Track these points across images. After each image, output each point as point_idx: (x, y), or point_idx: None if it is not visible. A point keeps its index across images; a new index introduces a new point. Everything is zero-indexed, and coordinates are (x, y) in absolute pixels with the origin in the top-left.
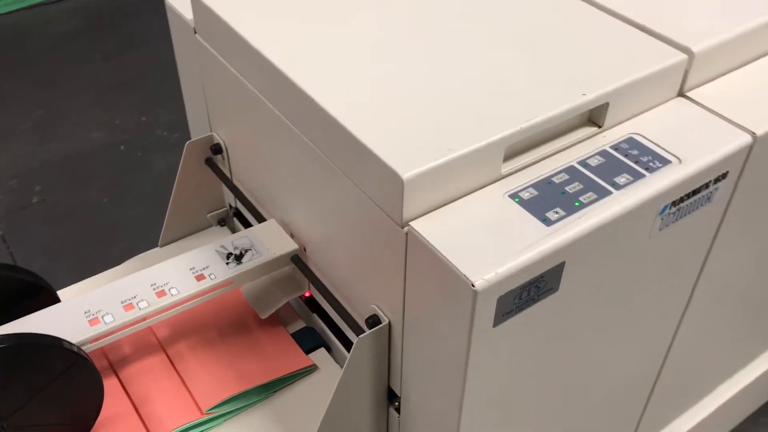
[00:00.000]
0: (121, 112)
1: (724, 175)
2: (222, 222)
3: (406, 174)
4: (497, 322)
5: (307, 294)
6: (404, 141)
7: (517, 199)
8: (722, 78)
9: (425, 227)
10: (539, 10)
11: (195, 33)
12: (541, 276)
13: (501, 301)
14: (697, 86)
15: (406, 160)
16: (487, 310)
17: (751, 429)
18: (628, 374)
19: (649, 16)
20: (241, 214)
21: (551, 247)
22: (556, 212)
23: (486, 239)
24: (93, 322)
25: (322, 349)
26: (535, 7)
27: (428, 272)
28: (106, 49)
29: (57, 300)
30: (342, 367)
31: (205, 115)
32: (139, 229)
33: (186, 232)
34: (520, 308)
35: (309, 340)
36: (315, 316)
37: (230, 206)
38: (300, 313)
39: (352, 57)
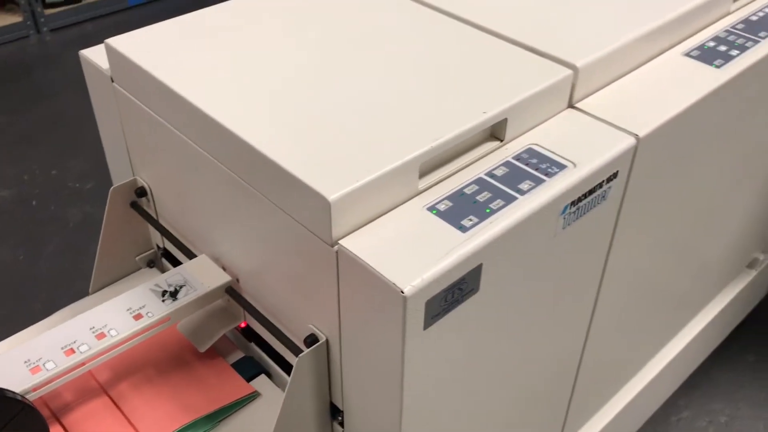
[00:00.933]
0: (29, 167)
1: (615, 175)
2: (151, 264)
3: (332, 196)
4: (427, 324)
5: (242, 325)
6: (327, 165)
7: (434, 211)
8: (606, 88)
9: (353, 244)
10: (436, 38)
11: (112, 81)
12: (463, 278)
13: (429, 304)
14: (584, 97)
15: (331, 183)
16: (416, 314)
17: (672, 412)
18: (553, 365)
19: (535, 37)
20: (169, 254)
21: (468, 251)
22: (470, 220)
23: (410, 249)
24: (34, 370)
25: (263, 376)
26: (432, 35)
27: (360, 286)
28: (8, 103)
29: None
30: (284, 391)
31: (126, 161)
32: (59, 283)
33: (116, 276)
34: (446, 310)
35: (249, 369)
36: (252, 345)
37: (158, 247)
38: (238, 344)
39: (268, 89)
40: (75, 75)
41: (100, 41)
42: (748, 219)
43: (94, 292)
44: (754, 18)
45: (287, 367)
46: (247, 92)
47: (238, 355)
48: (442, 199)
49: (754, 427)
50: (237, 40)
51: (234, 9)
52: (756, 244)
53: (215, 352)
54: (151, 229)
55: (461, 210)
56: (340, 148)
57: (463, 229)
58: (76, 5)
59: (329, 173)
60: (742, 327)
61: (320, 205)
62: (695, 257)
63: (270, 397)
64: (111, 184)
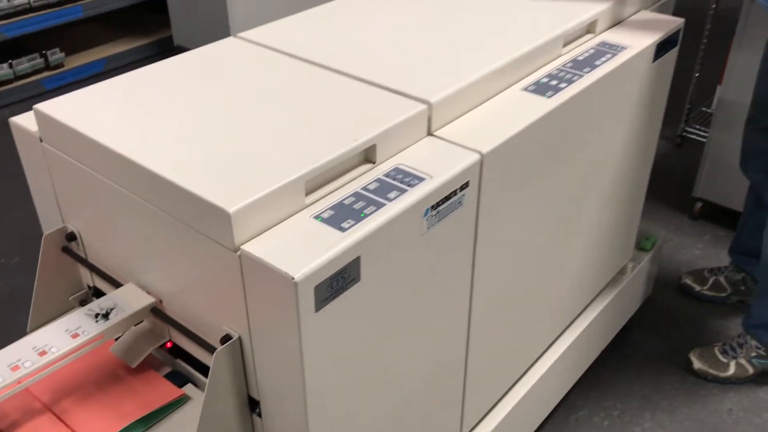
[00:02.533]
0: None
1: (466, 184)
2: (83, 303)
3: (231, 209)
4: (318, 307)
5: (168, 345)
6: (226, 186)
7: (319, 219)
8: (459, 119)
9: (252, 247)
10: (316, 86)
11: (41, 141)
12: (345, 268)
13: (317, 289)
14: (441, 126)
15: (230, 199)
16: (307, 298)
17: (571, 412)
18: (440, 355)
19: (399, 80)
20: (99, 292)
21: (347, 245)
22: (348, 222)
23: (299, 247)
24: None
25: (190, 384)
26: (313, 84)
27: (260, 282)
28: None
29: None
30: None
31: (56, 210)
32: None
33: (52, 316)
34: (334, 295)
35: (177, 380)
36: (179, 361)
37: (89, 287)
38: (166, 362)
39: (173, 131)
40: None
41: None
42: (609, 230)
43: (32, 330)
44: (581, 58)
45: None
46: (156, 135)
47: (167, 370)
48: (326, 209)
49: (642, 417)
50: (144, 97)
51: (138, 76)
52: (624, 253)
53: (147, 366)
54: (82, 271)
55: (341, 216)
56: (238, 172)
57: (343, 229)
58: None
59: (229, 191)
60: (628, 331)
61: (222, 217)
62: (561, 263)
63: (199, 401)
64: (36, 258)
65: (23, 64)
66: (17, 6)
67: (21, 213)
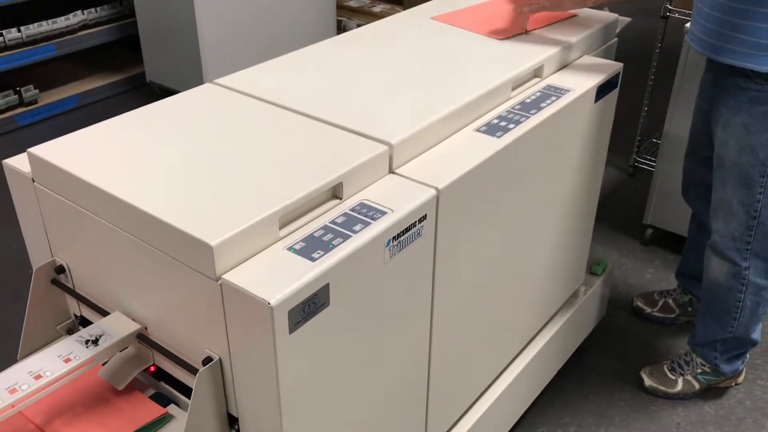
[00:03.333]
0: None
1: (424, 217)
2: (70, 331)
3: (213, 242)
4: (292, 329)
5: (152, 369)
6: (208, 221)
7: (292, 250)
8: (418, 157)
9: (232, 276)
10: (283, 128)
11: (33, 182)
12: (315, 294)
13: (291, 313)
14: (401, 165)
15: (212, 233)
16: (282, 321)
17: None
18: (404, 374)
19: (362, 123)
20: (86, 321)
21: (317, 273)
22: (318, 253)
23: (274, 275)
24: None
25: (173, 405)
26: (280, 126)
27: (240, 307)
28: None
29: None
30: None
31: (45, 245)
32: None
33: (40, 344)
34: (306, 318)
35: (161, 401)
36: (162, 383)
37: (75, 316)
38: (150, 384)
39: (158, 173)
40: None
41: None
42: (561, 256)
43: (22, 358)
44: (528, 100)
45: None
46: (142, 176)
47: (152, 392)
48: (298, 241)
49: (597, 431)
50: (129, 141)
51: (123, 121)
52: (576, 277)
53: (133, 388)
54: (69, 301)
55: (312, 247)
56: (218, 209)
57: (313, 259)
58: None
59: (210, 226)
60: (584, 351)
61: (205, 249)
62: (516, 287)
63: (181, 419)
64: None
65: None
66: None
67: None
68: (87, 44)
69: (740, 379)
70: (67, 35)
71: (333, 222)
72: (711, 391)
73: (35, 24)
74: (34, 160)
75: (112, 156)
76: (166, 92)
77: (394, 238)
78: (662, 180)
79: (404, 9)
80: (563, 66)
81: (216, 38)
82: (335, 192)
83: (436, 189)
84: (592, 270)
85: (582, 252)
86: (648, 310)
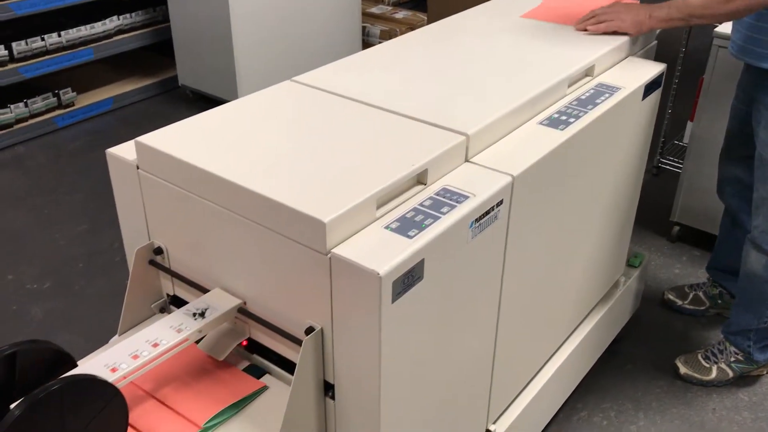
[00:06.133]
0: None
1: (501, 202)
2: (162, 310)
3: (326, 219)
4: (394, 299)
5: (244, 343)
6: (319, 201)
7: (389, 228)
8: (490, 147)
9: (342, 251)
10: (374, 123)
11: (138, 169)
12: (413, 268)
13: (394, 284)
14: (476, 155)
15: (324, 212)
16: (387, 291)
17: (573, 414)
18: (476, 349)
19: (441, 116)
20: (178, 299)
21: (415, 249)
22: (413, 231)
23: (378, 250)
24: (112, 370)
25: (266, 376)
26: (364, 119)
27: (348, 279)
28: None
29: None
30: (285, 384)
31: (144, 229)
32: None
33: (136, 321)
34: (405, 290)
35: (255, 372)
36: (255, 356)
37: (168, 295)
38: (243, 358)
39: (267, 157)
40: (10, 193)
41: (31, 162)
42: (607, 245)
43: (122, 333)
44: (583, 97)
45: (286, 366)
46: (247, 161)
47: (245, 364)
48: (393, 221)
49: (636, 416)
50: (227, 130)
51: (217, 114)
52: (617, 268)
53: (229, 363)
54: (163, 281)
55: (407, 226)
56: (323, 191)
57: (410, 237)
58: (8, 130)
59: (321, 205)
60: (620, 341)
61: (318, 226)
62: (569, 273)
63: (275, 390)
64: (66, 284)
65: (37, 103)
66: (35, 49)
67: (44, 241)
68: (122, 48)
69: None
70: (104, 39)
71: (421, 204)
72: (744, 379)
73: (74, 29)
74: (141, 148)
75: (214, 143)
76: (198, 96)
77: (476, 220)
78: (689, 179)
79: (427, 15)
80: (611, 66)
81: (249, 42)
82: (420, 178)
83: (512, 176)
84: (629, 262)
85: (623, 243)
86: (679, 302)
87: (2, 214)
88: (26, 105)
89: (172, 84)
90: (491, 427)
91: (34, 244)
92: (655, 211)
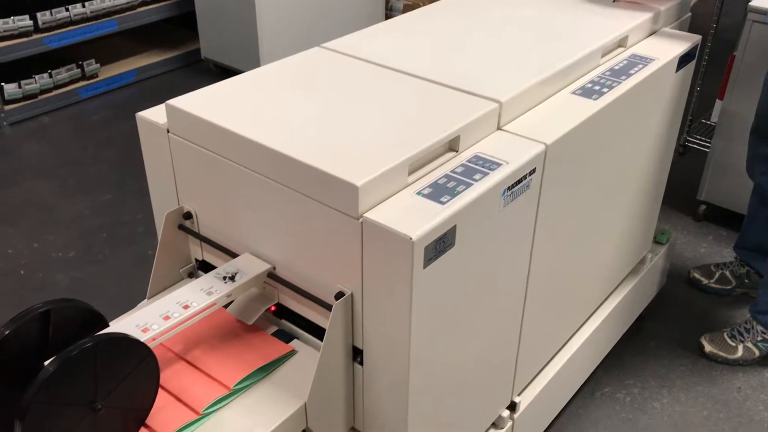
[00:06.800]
0: (10, 243)
1: (533, 171)
2: (191, 275)
3: (359, 183)
4: (426, 264)
5: (272, 309)
6: (351, 165)
7: (421, 194)
8: (522, 116)
9: (373, 215)
10: (400, 87)
11: (168, 132)
12: (445, 234)
13: (426, 249)
14: (508, 123)
15: (356, 176)
16: (419, 256)
17: (596, 389)
18: (504, 320)
19: (474, 84)
20: (207, 264)
21: (447, 214)
22: (445, 198)
23: (410, 216)
24: (144, 330)
25: (294, 341)
26: (395, 85)
27: (379, 243)
28: None
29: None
30: (314, 349)
31: (173, 193)
32: None
33: (165, 285)
34: (436, 256)
35: (283, 337)
36: (283, 321)
37: (196, 260)
38: (271, 323)
39: (297, 122)
40: (36, 163)
41: (55, 132)
42: (636, 219)
43: (150, 297)
44: (617, 67)
45: (314, 332)
46: (278, 124)
47: (273, 329)
48: (425, 187)
49: (660, 393)
50: (258, 95)
51: (246, 79)
52: (644, 244)
53: (258, 328)
54: (191, 246)
55: (439, 192)
56: (355, 155)
57: (442, 203)
58: (33, 100)
59: (354, 169)
60: (644, 319)
61: (350, 190)
62: (598, 245)
63: (304, 354)
64: (91, 252)
65: (62, 74)
66: (59, 19)
67: (69, 210)
68: (146, 20)
69: None
70: (128, 11)
71: (453, 171)
72: None
73: (98, 0)
74: (172, 111)
75: (246, 107)
76: (220, 69)
77: (508, 188)
78: (717, 157)
79: None
80: (644, 37)
81: (272, 16)
82: (452, 145)
83: (545, 144)
84: (656, 239)
85: (651, 219)
86: (705, 281)
87: (28, 184)
88: (50, 76)
89: (194, 57)
90: (516, 399)
91: (58, 213)
92: (680, 190)
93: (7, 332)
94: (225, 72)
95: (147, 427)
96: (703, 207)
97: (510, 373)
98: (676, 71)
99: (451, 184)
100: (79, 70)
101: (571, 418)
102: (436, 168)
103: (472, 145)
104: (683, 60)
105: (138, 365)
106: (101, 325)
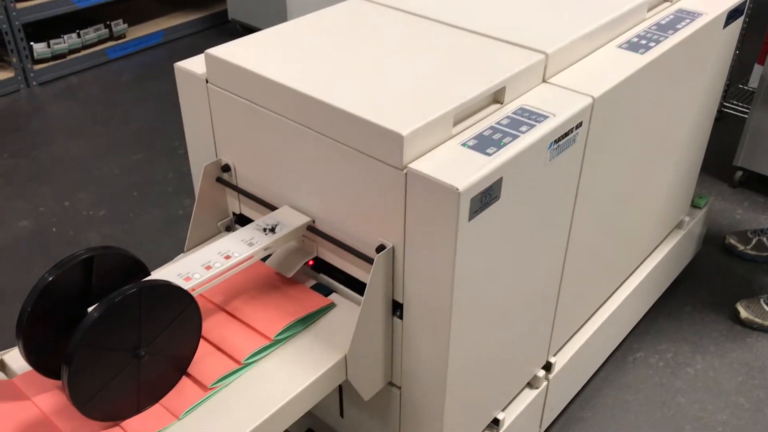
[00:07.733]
0: (42, 201)
1: (580, 124)
2: (228, 229)
3: (404, 132)
4: (471, 217)
5: (311, 262)
6: (396, 115)
7: (466, 146)
8: (568, 69)
9: (418, 165)
10: (444, 39)
11: (207, 82)
12: (491, 186)
13: (473, 201)
14: (553, 75)
15: (401, 125)
16: (465, 207)
17: (629, 354)
18: (544, 277)
19: (521, 35)
20: (244, 218)
21: (493, 166)
22: (491, 149)
23: (455, 167)
24: (186, 279)
25: (333, 294)
26: (440, 37)
27: (423, 195)
28: (11, 148)
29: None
30: (353, 303)
31: (211, 146)
32: None
33: (203, 239)
34: (482, 209)
35: (322, 290)
36: (321, 275)
37: (234, 214)
38: (310, 277)
39: (340, 71)
40: (66, 122)
41: (84, 92)
42: (676, 180)
43: (188, 250)
44: (663, 22)
45: (353, 285)
46: (320, 74)
47: (312, 283)
48: (470, 139)
49: (694, 359)
50: (299, 44)
51: (286, 29)
52: (682, 207)
53: (296, 281)
54: (229, 200)
55: (484, 144)
56: (400, 105)
57: (488, 155)
58: (61, 60)
59: (398, 119)
60: (679, 284)
61: (395, 139)
62: (637, 208)
63: (343, 308)
64: (121, 211)
65: (90, 34)
66: None
67: (99, 169)
68: None
69: None
70: None
71: (499, 122)
72: None
73: None
74: (211, 60)
75: (286, 56)
76: (247, 30)
77: (555, 141)
78: (756, 123)
79: None
80: None
81: None
82: (496, 97)
83: (592, 97)
84: (694, 203)
85: (690, 181)
86: (741, 247)
87: (58, 142)
88: (79, 36)
89: (221, 18)
90: (552, 359)
91: (89, 172)
92: (716, 156)
93: (51, 278)
94: (252, 33)
95: (189, 375)
96: (739, 173)
97: (547, 333)
98: (724, 27)
99: (496, 136)
100: (107, 30)
101: (604, 382)
102: (481, 120)
103: (518, 97)
104: (731, 16)
105: (181, 313)
106: (143, 273)
